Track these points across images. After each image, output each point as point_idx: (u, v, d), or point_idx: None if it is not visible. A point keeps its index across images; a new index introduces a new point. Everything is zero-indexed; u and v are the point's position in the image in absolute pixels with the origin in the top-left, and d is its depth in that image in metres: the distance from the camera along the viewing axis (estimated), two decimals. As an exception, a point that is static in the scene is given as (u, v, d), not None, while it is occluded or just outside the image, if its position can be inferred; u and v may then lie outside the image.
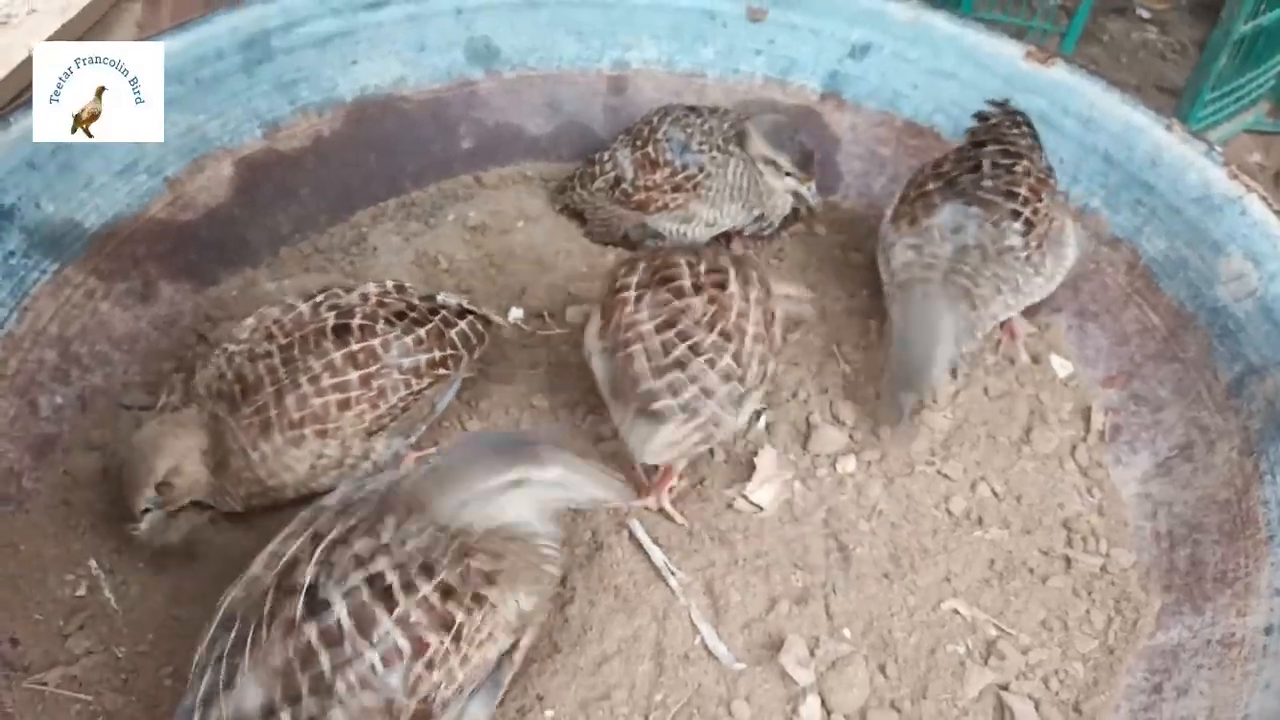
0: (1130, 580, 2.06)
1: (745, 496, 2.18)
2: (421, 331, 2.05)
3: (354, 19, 2.75)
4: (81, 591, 1.94)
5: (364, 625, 1.44)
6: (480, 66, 2.92)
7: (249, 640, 1.44)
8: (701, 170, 2.57)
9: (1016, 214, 2.15)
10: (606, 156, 2.73)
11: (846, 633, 1.97)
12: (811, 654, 1.91)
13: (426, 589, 1.48)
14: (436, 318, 2.10)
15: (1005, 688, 1.89)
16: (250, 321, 2.05)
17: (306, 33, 2.68)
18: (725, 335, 1.92)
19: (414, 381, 2.03)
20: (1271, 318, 2.12)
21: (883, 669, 1.91)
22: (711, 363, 1.89)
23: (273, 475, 1.93)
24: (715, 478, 2.22)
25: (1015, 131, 2.33)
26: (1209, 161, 2.36)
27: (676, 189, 2.63)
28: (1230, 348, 2.18)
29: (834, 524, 2.15)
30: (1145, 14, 4.39)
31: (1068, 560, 2.10)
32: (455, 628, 1.49)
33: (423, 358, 2.03)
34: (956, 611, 2.01)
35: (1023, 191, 2.17)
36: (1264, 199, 2.27)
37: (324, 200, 2.77)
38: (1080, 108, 2.56)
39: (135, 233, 2.44)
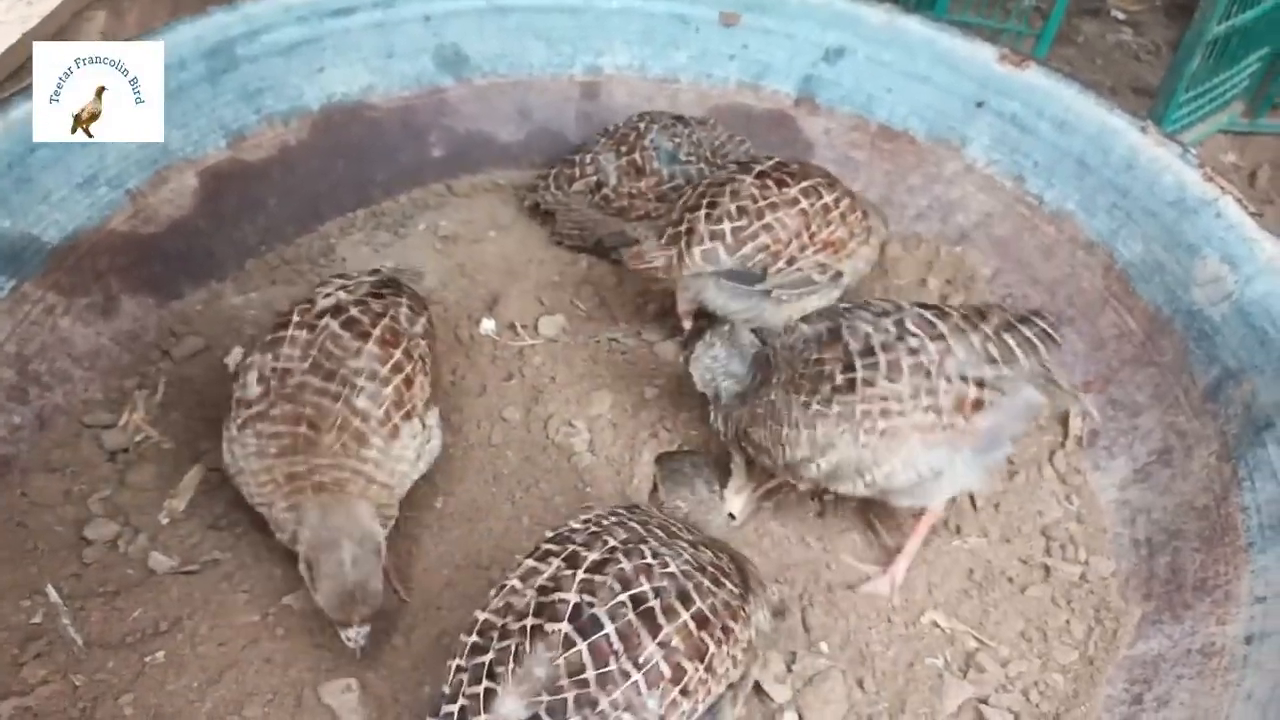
0: (1110, 589, 2.03)
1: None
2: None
3: (320, 26, 2.70)
4: (38, 619, 1.88)
5: (630, 645, 1.44)
6: (450, 74, 2.89)
7: (512, 652, 1.44)
8: (689, 182, 2.52)
9: None
10: (588, 159, 2.69)
11: (824, 646, 1.94)
12: (789, 669, 1.88)
13: (685, 615, 1.48)
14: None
15: (985, 701, 1.86)
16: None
17: (271, 41, 2.64)
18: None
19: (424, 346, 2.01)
20: (1248, 321, 2.10)
21: (860, 683, 1.88)
22: None
23: (393, 475, 1.87)
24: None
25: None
26: (1184, 164, 2.34)
27: (661, 199, 2.59)
28: (1207, 351, 2.16)
29: (811, 535, 2.12)
30: (1120, 15, 4.40)
31: (1047, 569, 2.07)
32: (708, 657, 1.49)
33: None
34: (935, 623, 1.98)
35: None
36: (1239, 201, 2.25)
37: (291, 211, 2.72)
38: (1055, 111, 2.55)
39: (96, 246, 2.38)
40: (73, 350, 2.30)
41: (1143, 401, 2.25)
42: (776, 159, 2.33)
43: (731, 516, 2.12)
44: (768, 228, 2.20)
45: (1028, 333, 1.92)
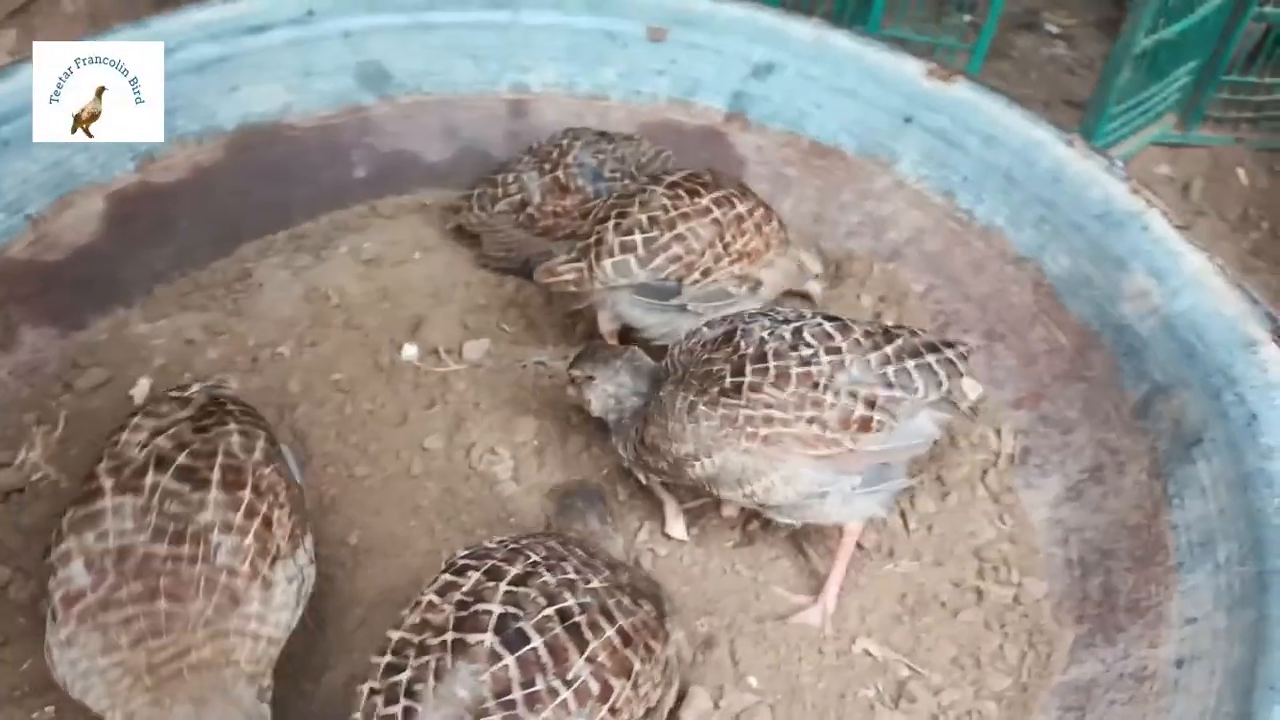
0: (1043, 611, 1.99)
1: (665, 534, 2.09)
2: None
3: (234, 44, 2.62)
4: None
5: (559, 660, 1.40)
6: (372, 91, 2.81)
7: (432, 669, 1.38)
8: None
9: None
10: (511, 178, 2.62)
11: (752, 680, 1.87)
12: (715, 705, 1.81)
13: (610, 631, 1.46)
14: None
15: (917, 731, 1.81)
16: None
17: (183, 59, 2.55)
18: None
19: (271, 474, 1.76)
20: (1175, 335, 2.08)
21: (790, 718, 1.82)
22: None
23: (278, 626, 1.64)
24: (624, 515, 2.12)
25: None
26: (1110, 177, 2.33)
27: (586, 216, 2.52)
28: (1136, 367, 2.14)
29: (741, 563, 2.06)
30: (1054, 29, 4.43)
31: (979, 592, 2.03)
32: (633, 675, 1.46)
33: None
34: (867, 651, 1.92)
35: None
36: (1165, 214, 2.24)
37: (205, 234, 2.62)
38: (982, 125, 2.53)
39: (-7, 275, 2.28)
40: (-34, 385, 2.19)
41: (1074, 418, 2.22)
42: (689, 170, 2.30)
43: (684, 541, 2.09)
44: (680, 238, 2.17)
45: (932, 359, 1.88)
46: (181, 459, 1.64)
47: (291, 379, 2.35)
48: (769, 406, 1.78)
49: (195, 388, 1.87)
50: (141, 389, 2.29)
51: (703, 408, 1.81)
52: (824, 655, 1.92)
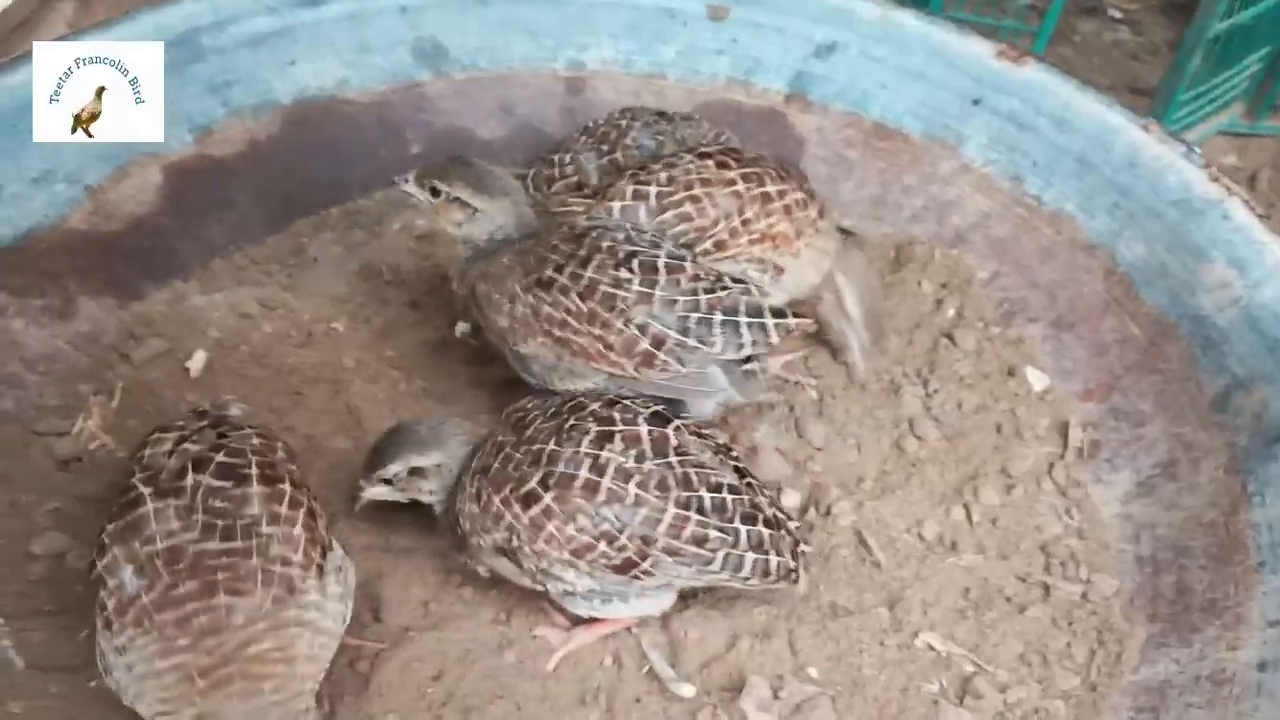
0: (1113, 609, 1.93)
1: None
2: None
3: (291, 17, 2.60)
4: (-22, 639, 1.77)
5: None
6: (428, 67, 2.78)
7: None
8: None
9: None
10: (568, 159, 2.57)
11: (812, 671, 1.83)
12: (775, 696, 1.78)
13: None
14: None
15: (982, 729, 1.77)
16: None
17: (239, 32, 2.53)
18: None
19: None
20: (1257, 328, 2.01)
21: (851, 711, 1.78)
22: None
23: (336, 618, 1.64)
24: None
25: None
26: (1188, 163, 2.26)
27: None
28: (1214, 359, 2.07)
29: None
30: (1117, 14, 4.31)
31: (1046, 588, 1.98)
32: None
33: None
34: (930, 646, 1.88)
35: None
36: (1246, 203, 2.17)
37: (261, 208, 2.60)
38: (1054, 108, 2.46)
39: (52, 245, 2.27)
40: (25, 354, 2.18)
41: (1147, 411, 2.15)
42: (730, 145, 2.24)
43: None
44: (694, 199, 2.11)
45: (745, 320, 1.87)
46: (220, 458, 1.64)
47: (345, 355, 2.34)
48: (567, 312, 1.86)
49: (206, 405, 1.89)
50: (198, 361, 2.28)
51: (519, 291, 1.92)
52: (885, 648, 1.87)
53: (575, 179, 2.54)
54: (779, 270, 2.18)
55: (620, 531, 1.64)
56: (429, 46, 2.77)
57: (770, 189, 2.15)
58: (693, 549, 1.66)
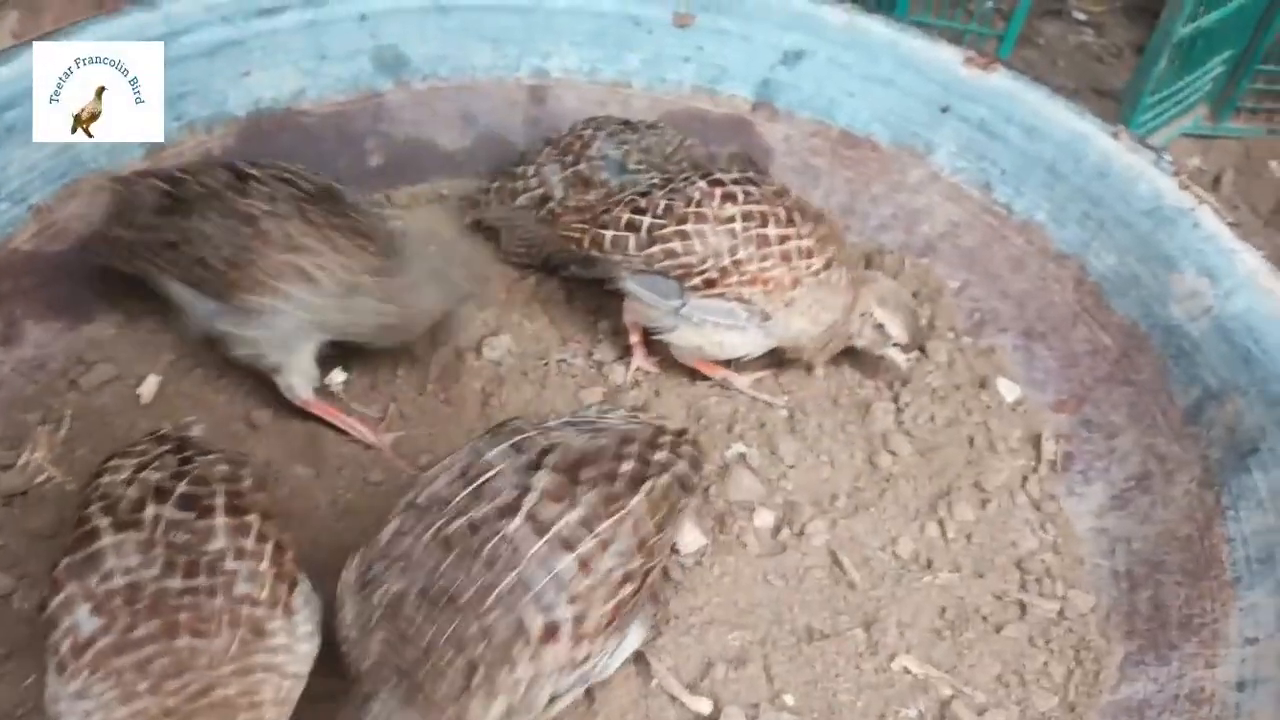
0: (1090, 626, 1.92)
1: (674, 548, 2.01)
2: None
3: (246, 26, 2.52)
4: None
5: None
6: (388, 77, 2.71)
7: None
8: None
9: None
10: (532, 171, 2.53)
11: (789, 699, 1.80)
12: (751, 725, 1.74)
13: None
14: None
15: (961, 754, 1.74)
16: None
17: (192, 42, 2.45)
18: None
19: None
20: (1229, 338, 2.00)
21: (829, 738, 1.75)
22: None
23: (304, 660, 1.56)
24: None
25: None
26: (1159, 171, 2.24)
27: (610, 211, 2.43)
28: (1186, 370, 2.06)
29: (773, 573, 1.98)
30: (1081, 16, 4.32)
31: (1023, 606, 1.95)
32: None
33: None
34: (907, 669, 1.85)
35: None
36: (1216, 211, 2.16)
37: (216, 224, 2.53)
38: (1023, 116, 2.43)
39: (-5, 267, 2.19)
40: (-33, 382, 2.11)
41: (1119, 422, 2.14)
42: (749, 174, 2.18)
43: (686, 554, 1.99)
44: (683, 235, 2.06)
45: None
46: (182, 488, 1.55)
47: (305, 376, 2.27)
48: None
49: (166, 427, 1.79)
50: (150, 386, 2.21)
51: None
52: (862, 672, 1.84)
53: (540, 192, 2.49)
54: (765, 316, 2.11)
55: None
56: (389, 55, 2.71)
57: (771, 231, 2.06)
58: None
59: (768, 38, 2.69)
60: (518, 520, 1.45)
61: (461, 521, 1.46)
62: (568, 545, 1.45)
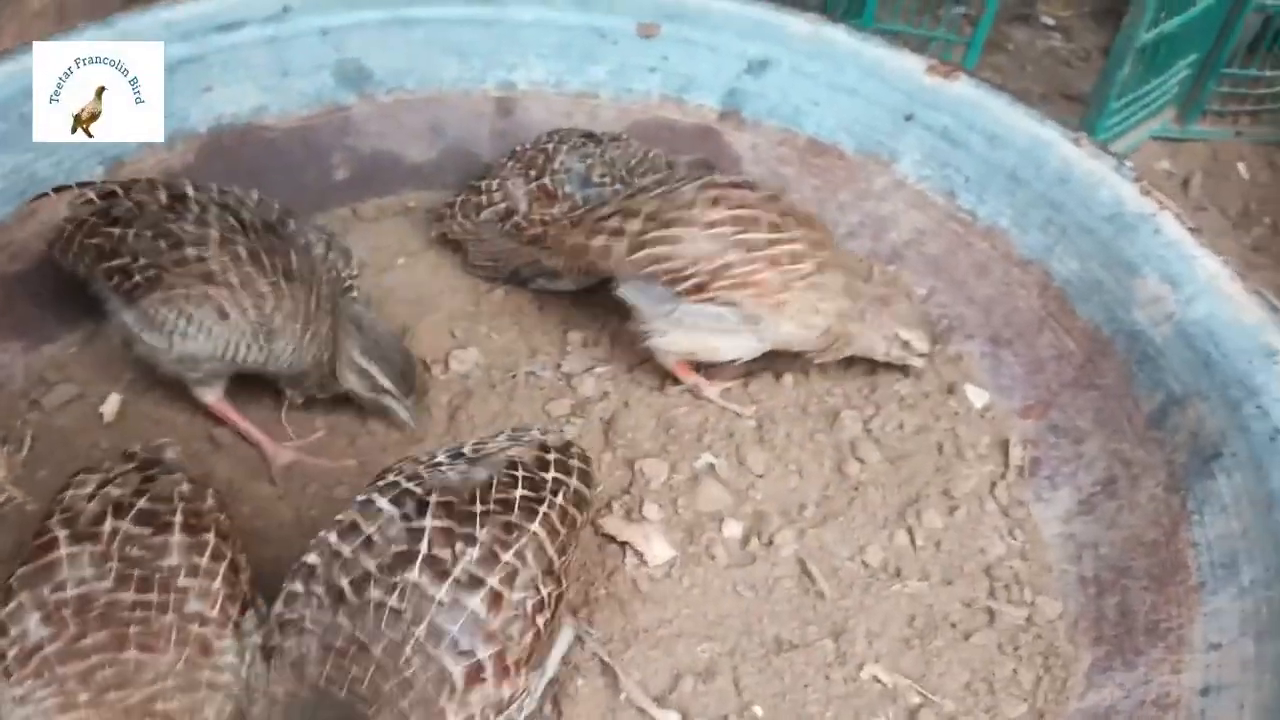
0: (1058, 633, 1.92)
1: (638, 552, 2.00)
2: None
3: (205, 42, 2.51)
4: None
5: None
6: (352, 90, 2.70)
7: None
8: (604, 205, 2.38)
9: None
10: (495, 185, 2.52)
11: (758, 710, 1.79)
12: (720, 739, 1.73)
13: None
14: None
15: (931, 763, 1.74)
16: None
17: (151, 59, 2.43)
18: None
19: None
20: (1191, 343, 2.01)
21: (798, 751, 1.74)
22: None
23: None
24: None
25: None
26: (1120, 177, 2.25)
27: (576, 224, 2.42)
28: (1150, 375, 2.06)
29: (741, 584, 1.98)
30: (1049, 21, 4.34)
31: (991, 613, 1.95)
32: None
33: None
34: (876, 678, 1.84)
35: None
36: (1177, 216, 2.16)
37: (178, 241, 2.50)
38: (985, 123, 2.44)
39: (-46, 288, 2.17)
40: (-75, 404, 2.08)
41: (1085, 427, 2.14)
42: (744, 179, 2.22)
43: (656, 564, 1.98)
44: (668, 240, 2.06)
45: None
46: (141, 504, 1.56)
47: (265, 394, 2.24)
48: None
49: (136, 448, 1.78)
50: (112, 405, 2.19)
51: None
52: (831, 682, 1.84)
53: (504, 206, 2.48)
54: (754, 320, 2.11)
55: None
56: (352, 69, 2.69)
57: (759, 236, 2.06)
58: None
59: (733, 47, 2.69)
60: (416, 568, 1.41)
61: (359, 574, 1.43)
62: (473, 584, 1.42)
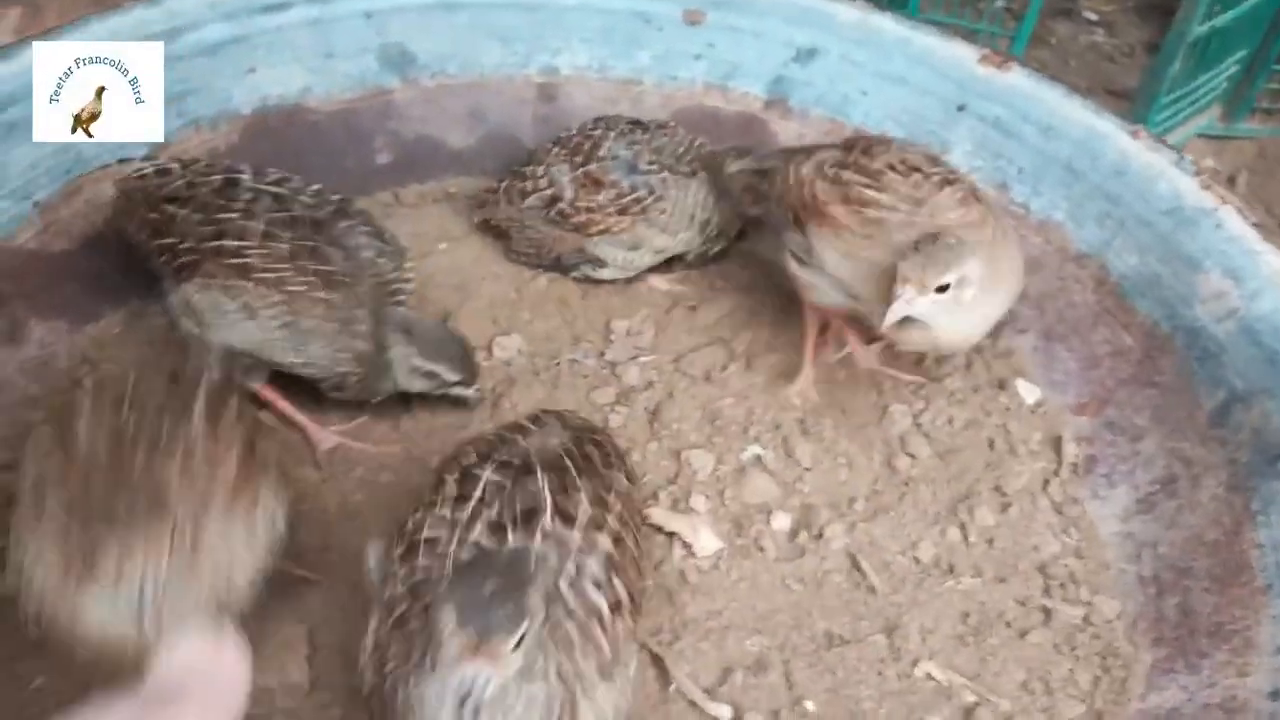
0: (1116, 632, 1.88)
1: (686, 543, 1.97)
2: None
3: (250, 23, 2.48)
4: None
5: None
6: (395, 74, 2.68)
7: None
8: (651, 193, 2.35)
9: None
10: (541, 171, 2.49)
11: (810, 705, 1.76)
12: (772, 733, 1.70)
13: None
14: None
15: (987, 763, 1.70)
16: None
17: (195, 39, 2.41)
18: None
19: None
20: (1255, 340, 1.96)
21: (852, 747, 1.71)
22: None
23: None
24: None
25: None
26: (1179, 171, 2.21)
27: (622, 212, 2.40)
28: (1212, 372, 2.02)
29: (791, 578, 1.95)
30: (1092, 16, 4.28)
31: (1047, 611, 1.91)
32: None
33: None
34: (930, 675, 1.81)
35: None
36: (1239, 211, 2.12)
37: (222, 223, 2.49)
38: (1040, 115, 2.40)
39: (-1, 267, 2.15)
40: (-30, 382, 2.07)
41: (1143, 425, 2.10)
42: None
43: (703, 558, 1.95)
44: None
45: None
46: None
47: (312, 375, 2.23)
48: None
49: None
50: (155, 387, 2.17)
51: None
52: (885, 679, 1.81)
53: (549, 192, 2.45)
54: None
55: None
56: (396, 53, 2.67)
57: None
58: None
59: (780, 34, 2.65)
60: (549, 517, 1.48)
61: (493, 528, 1.47)
62: (597, 527, 1.51)
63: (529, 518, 1.47)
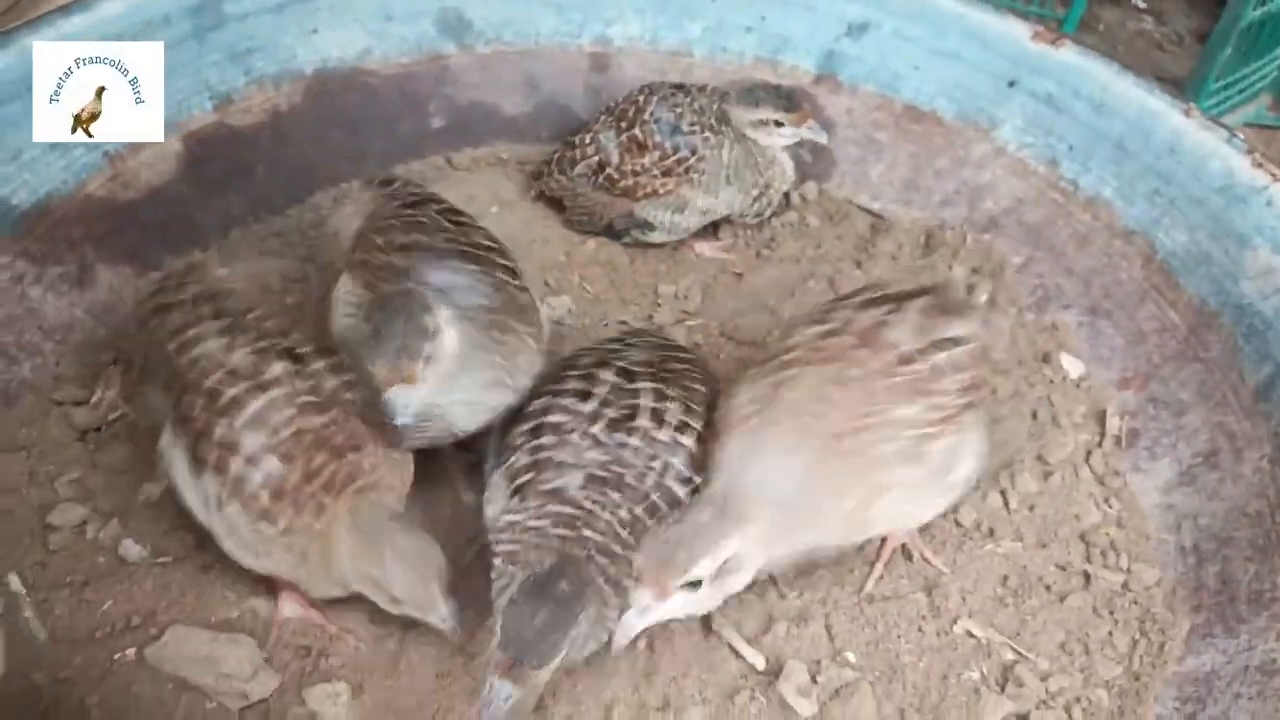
0: (1155, 599, 1.90)
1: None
2: None
3: (313, -15, 2.54)
4: (-1, 610, 1.73)
5: None
6: (452, 40, 2.72)
7: None
8: (694, 153, 2.39)
9: None
10: (588, 139, 2.54)
11: (850, 656, 1.80)
12: (813, 680, 1.74)
13: None
14: None
15: (1025, 718, 1.73)
16: None
17: (260, -3, 2.47)
18: None
19: None
20: (1303, 316, 1.98)
21: (890, 697, 1.74)
22: None
23: None
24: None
25: None
26: (1231, 149, 2.22)
27: (667, 173, 2.44)
28: (1258, 348, 2.03)
29: (835, 536, 1.98)
30: (1140, 3, 4.27)
31: (1087, 576, 1.94)
32: None
33: None
34: (969, 633, 1.84)
35: None
36: (1292, 189, 2.12)
37: (281, 180, 2.56)
38: (1092, 91, 2.41)
39: (70, 212, 2.23)
40: (43, 322, 2.14)
41: (1187, 400, 2.12)
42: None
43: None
44: None
45: None
46: None
47: (368, 329, 2.29)
48: None
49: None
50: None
51: None
52: (924, 634, 1.84)
53: (596, 159, 2.50)
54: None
55: None
56: (453, 18, 2.72)
57: None
58: None
59: (832, 8, 2.67)
60: (646, 417, 1.73)
61: (603, 424, 1.72)
62: (684, 429, 1.74)
63: (630, 417, 1.71)
